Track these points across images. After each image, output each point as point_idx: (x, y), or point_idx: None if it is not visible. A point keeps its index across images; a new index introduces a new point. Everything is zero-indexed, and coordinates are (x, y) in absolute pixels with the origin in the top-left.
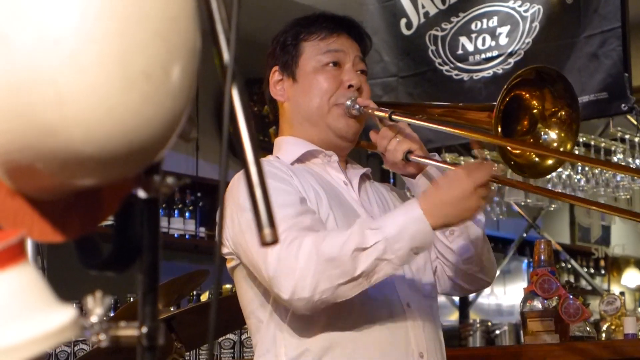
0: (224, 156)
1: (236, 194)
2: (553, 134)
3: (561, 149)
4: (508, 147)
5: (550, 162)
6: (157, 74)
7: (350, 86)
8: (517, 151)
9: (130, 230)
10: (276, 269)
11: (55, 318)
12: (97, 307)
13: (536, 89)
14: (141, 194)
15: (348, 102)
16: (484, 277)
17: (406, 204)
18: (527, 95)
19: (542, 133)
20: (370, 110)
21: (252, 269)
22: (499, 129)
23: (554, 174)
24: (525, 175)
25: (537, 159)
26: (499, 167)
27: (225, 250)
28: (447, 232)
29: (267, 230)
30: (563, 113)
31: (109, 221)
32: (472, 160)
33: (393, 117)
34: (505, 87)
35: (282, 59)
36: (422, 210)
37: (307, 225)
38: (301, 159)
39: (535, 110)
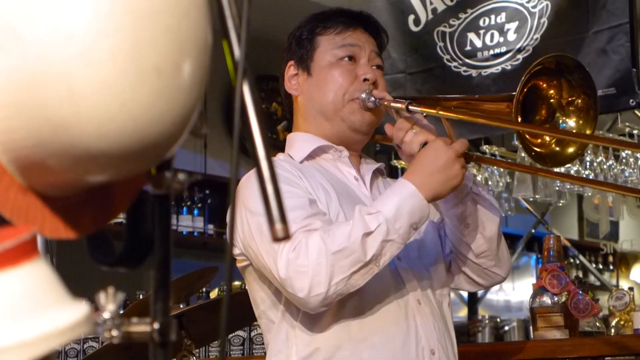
0: (235, 150)
1: (245, 197)
2: (572, 122)
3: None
4: (528, 137)
5: (571, 150)
6: (169, 69)
7: (365, 80)
8: (538, 140)
9: (142, 226)
10: (287, 271)
11: (68, 314)
12: (109, 303)
13: (553, 78)
14: (152, 190)
15: (363, 95)
16: (499, 272)
17: (397, 183)
18: (545, 84)
19: (561, 122)
20: (386, 102)
21: (263, 272)
22: (519, 119)
23: (562, 169)
24: (548, 165)
25: (557, 148)
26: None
27: (235, 250)
28: (461, 225)
29: (278, 226)
30: (580, 101)
31: (121, 218)
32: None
33: (410, 108)
34: (524, 76)
35: (298, 53)
36: (414, 185)
37: (317, 227)
38: (311, 155)
39: (552, 100)
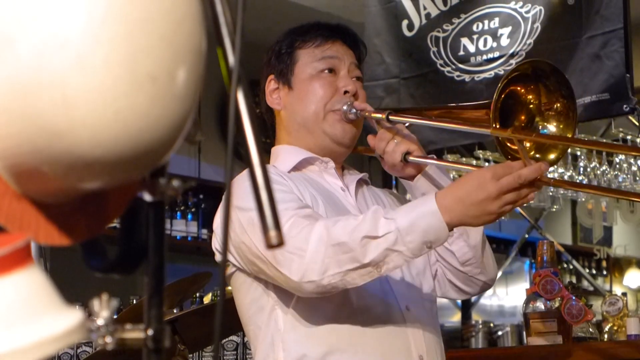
0: (229, 158)
1: (235, 196)
2: (552, 127)
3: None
4: (507, 144)
5: (552, 156)
6: (163, 76)
7: (346, 92)
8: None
9: (136, 233)
10: (286, 252)
11: (62, 321)
12: (103, 309)
13: (531, 83)
14: (147, 196)
15: (345, 107)
16: (485, 280)
17: (424, 196)
18: (523, 90)
19: (541, 127)
20: (367, 113)
21: (257, 263)
22: (497, 125)
23: (555, 174)
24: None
25: (537, 155)
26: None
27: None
28: None
29: (272, 233)
30: (559, 105)
31: (114, 222)
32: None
33: (390, 117)
34: (500, 83)
35: (278, 68)
36: (437, 204)
37: (309, 213)
38: (297, 167)
39: (531, 106)
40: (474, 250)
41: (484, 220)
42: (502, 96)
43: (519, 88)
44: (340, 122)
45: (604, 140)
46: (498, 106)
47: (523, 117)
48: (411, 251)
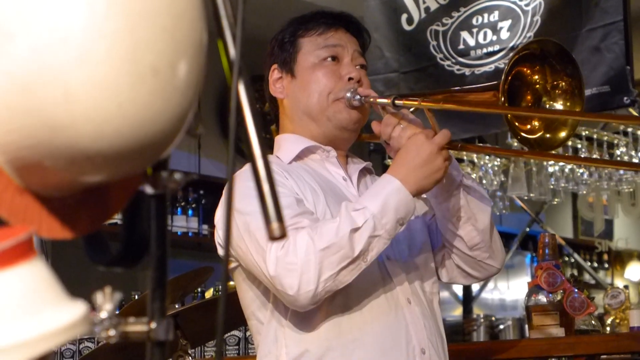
0: (231, 152)
1: (235, 197)
2: (559, 106)
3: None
4: (517, 123)
5: (562, 134)
6: (165, 69)
7: (350, 79)
8: (527, 127)
9: (138, 226)
10: (277, 269)
11: (65, 314)
12: (106, 303)
13: (536, 64)
14: (149, 190)
15: (348, 94)
16: (493, 264)
17: (381, 179)
18: (529, 71)
19: (547, 106)
20: (372, 99)
21: (252, 271)
22: (505, 105)
23: (557, 167)
24: (538, 150)
25: (547, 135)
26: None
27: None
28: (454, 218)
29: (275, 225)
30: (565, 84)
31: (116, 219)
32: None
33: (396, 102)
34: (508, 62)
35: (281, 57)
36: (399, 180)
37: (305, 225)
38: (299, 156)
39: (538, 86)
40: (483, 234)
41: (435, 178)
42: (509, 78)
43: (524, 69)
44: (345, 109)
45: (612, 113)
46: (505, 91)
47: (529, 98)
48: (388, 232)
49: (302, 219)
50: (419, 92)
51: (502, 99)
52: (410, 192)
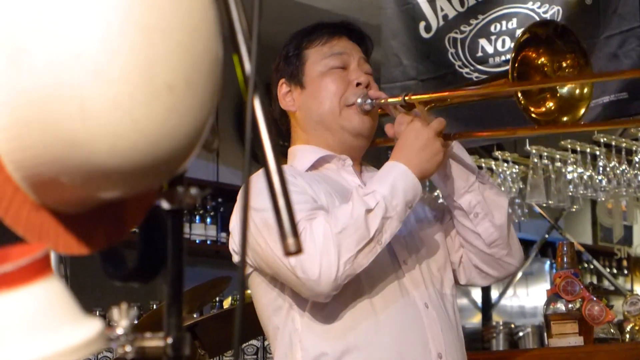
0: (246, 165)
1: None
2: (569, 85)
3: (582, 92)
4: (531, 108)
5: (580, 112)
6: (181, 85)
7: (358, 84)
8: (542, 109)
9: (154, 241)
10: (297, 257)
11: (81, 331)
12: (122, 319)
13: (540, 47)
14: (165, 205)
15: (359, 100)
16: (511, 261)
17: (386, 165)
18: (535, 54)
19: (558, 87)
20: (383, 101)
21: (271, 267)
22: (519, 95)
23: (575, 174)
24: (551, 128)
25: (563, 117)
26: None
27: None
28: (471, 215)
29: (290, 240)
30: (571, 62)
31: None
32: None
33: (407, 99)
34: (515, 45)
35: (287, 71)
36: (403, 164)
37: (313, 214)
38: (315, 166)
39: (546, 68)
40: (500, 230)
41: (436, 161)
42: (517, 64)
43: (531, 53)
44: (357, 115)
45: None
46: (515, 73)
47: (538, 79)
48: (398, 214)
49: (317, 212)
50: (432, 91)
51: (515, 74)
52: (415, 175)
